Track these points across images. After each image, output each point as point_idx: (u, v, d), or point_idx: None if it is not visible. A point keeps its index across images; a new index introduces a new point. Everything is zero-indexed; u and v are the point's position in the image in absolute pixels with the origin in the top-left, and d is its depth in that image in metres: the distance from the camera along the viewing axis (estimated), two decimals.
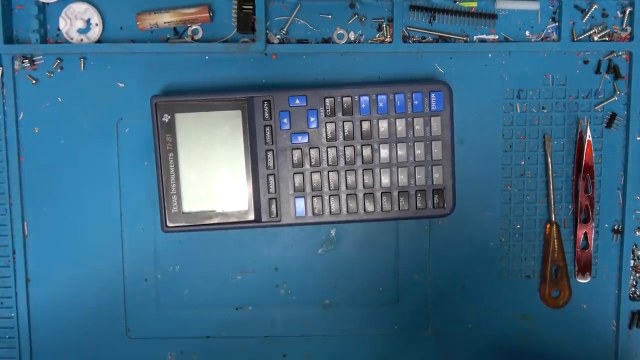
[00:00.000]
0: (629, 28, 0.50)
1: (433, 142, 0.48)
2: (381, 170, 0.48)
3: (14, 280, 0.51)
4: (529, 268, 0.52)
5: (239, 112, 0.47)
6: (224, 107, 0.47)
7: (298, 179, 0.48)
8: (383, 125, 0.47)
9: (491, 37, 0.50)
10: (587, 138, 0.50)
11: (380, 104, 0.47)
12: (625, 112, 0.51)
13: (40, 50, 0.49)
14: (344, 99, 0.47)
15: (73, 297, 0.52)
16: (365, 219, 0.48)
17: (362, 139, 0.48)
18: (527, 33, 0.50)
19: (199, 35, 0.50)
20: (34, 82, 0.50)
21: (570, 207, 0.52)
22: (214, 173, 0.47)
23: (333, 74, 0.50)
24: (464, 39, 0.50)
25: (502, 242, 0.52)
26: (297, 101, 0.47)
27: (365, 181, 0.48)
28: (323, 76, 0.50)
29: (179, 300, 0.52)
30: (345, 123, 0.47)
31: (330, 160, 0.48)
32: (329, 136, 0.48)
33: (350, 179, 0.48)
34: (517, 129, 0.51)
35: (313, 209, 0.48)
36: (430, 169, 0.48)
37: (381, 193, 0.48)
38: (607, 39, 0.50)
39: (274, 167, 0.48)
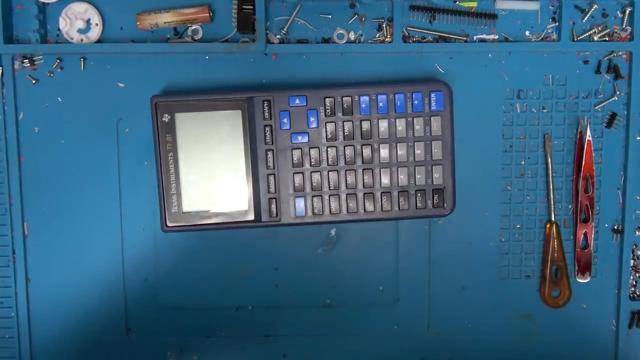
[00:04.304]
0: (629, 28, 0.50)
1: (433, 142, 0.48)
2: (381, 170, 0.48)
3: (14, 280, 0.51)
4: (529, 268, 0.52)
5: (239, 112, 0.47)
6: (224, 107, 0.47)
7: (298, 179, 0.48)
8: (383, 125, 0.47)
9: (491, 37, 0.50)
10: (587, 138, 0.50)
11: (380, 104, 0.47)
12: (625, 112, 0.51)
13: (40, 50, 0.49)
14: (344, 99, 0.47)
15: (73, 297, 0.52)
16: (365, 219, 0.48)
17: (362, 138, 0.48)
18: (527, 33, 0.50)
19: (199, 35, 0.50)
20: (34, 82, 0.50)
21: (570, 207, 0.52)
22: (214, 173, 0.47)
23: (333, 74, 0.50)
24: (464, 39, 0.50)
25: (502, 242, 0.52)
26: (297, 101, 0.47)
27: (365, 181, 0.48)
28: (323, 76, 0.50)
29: (179, 300, 0.52)
30: (345, 123, 0.47)
31: (330, 160, 0.48)
32: (329, 136, 0.48)
33: (350, 178, 0.48)
34: (517, 129, 0.51)
35: (313, 208, 0.48)
36: (430, 168, 0.48)
37: (381, 193, 0.48)
38: (607, 39, 0.50)
39: (274, 167, 0.48)
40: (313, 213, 0.48)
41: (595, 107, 0.51)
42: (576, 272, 0.52)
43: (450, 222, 0.51)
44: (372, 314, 0.52)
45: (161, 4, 0.49)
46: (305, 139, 0.48)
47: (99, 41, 0.50)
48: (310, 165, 0.48)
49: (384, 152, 0.48)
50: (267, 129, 0.47)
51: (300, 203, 0.48)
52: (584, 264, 0.52)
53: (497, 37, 0.50)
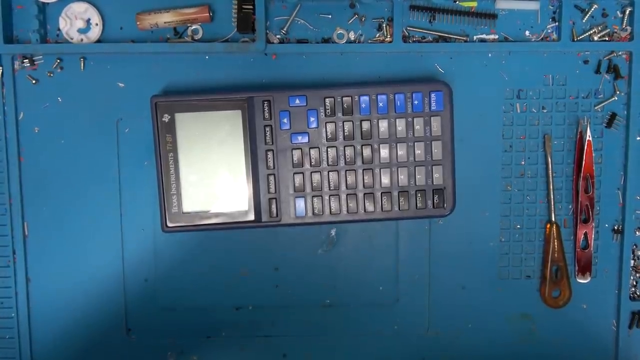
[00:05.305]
0: (629, 28, 0.50)
1: (433, 142, 0.48)
2: (381, 170, 0.48)
3: (14, 280, 0.51)
4: (529, 268, 0.52)
5: (239, 112, 0.47)
6: (224, 107, 0.47)
7: (298, 179, 0.48)
8: (383, 125, 0.47)
9: (491, 37, 0.50)
10: (587, 138, 0.50)
11: (380, 104, 0.47)
12: (625, 112, 0.51)
13: (40, 50, 0.49)
14: (344, 99, 0.47)
15: (73, 297, 0.52)
16: (365, 219, 0.48)
17: (362, 139, 0.48)
18: (527, 33, 0.50)
19: (199, 35, 0.50)
20: (34, 82, 0.50)
21: (570, 207, 0.52)
22: (214, 173, 0.47)
23: (333, 74, 0.50)
24: (464, 39, 0.50)
25: (502, 242, 0.52)
26: (297, 101, 0.47)
27: (365, 181, 0.48)
28: (323, 76, 0.50)
29: (179, 300, 0.52)
30: (345, 123, 0.47)
31: (330, 160, 0.48)
32: (329, 136, 0.48)
33: (350, 179, 0.48)
34: (517, 129, 0.51)
35: (313, 209, 0.48)
36: (430, 169, 0.48)
37: (381, 193, 0.48)
38: (607, 38, 0.50)
39: (274, 167, 0.48)
40: (313, 213, 0.48)
41: (595, 107, 0.51)
42: (576, 273, 0.52)
43: (450, 222, 0.51)
44: (372, 314, 0.52)
45: (161, 4, 0.49)
46: (305, 139, 0.48)
47: (99, 41, 0.50)
48: (311, 165, 0.48)
49: (384, 152, 0.48)
50: (267, 129, 0.47)
51: (300, 203, 0.48)
52: (584, 264, 0.52)
53: (497, 37, 0.50)
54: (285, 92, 0.47)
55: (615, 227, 0.52)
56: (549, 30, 0.50)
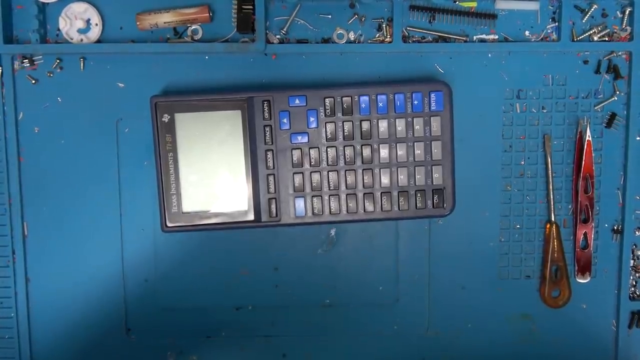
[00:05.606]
0: (628, 28, 0.50)
1: (433, 142, 0.48)
2: (381, 170, 0.48)
3: (13, 280, 0.51)
4: (529, 268, 0.52)
5: (238, 112, 0.47)
6: (224, 107, 0.47)
7: (298, 179, 0.48)
8: (383, 125, 0.47)
9: (491, 37, 0.50)
10: (587, 138, 0.50)
11: (380, 104, 0.47)
12: (625, 112, 0.51)
13: (40, 50, 0.49)
14: (344, 99, 0.47)
15: (73, 297, 0.52)
16: (365, 219, 0.48)
17: (362, 139, 0.48)
18: (527, 33, 0.50)
19: (199, 35, 0.50)
20: (33, 82, 0.50)
21: (570, 207, 0.52)
22: (213, 173, 0.47)
23: (333, 74, 0.50)
24: (464, 39, 0.50)
25: (502, 242, 0.52)
26: (297, 101, 0.47)
27: (365, 181, 0.48)
28: (323, 76, 0.50)
29: (179, 300, 0.52)
30: (345, 123, 0.47)
31: (330, 160, 0.48)
32: (329, 136, 0.48)
33: (350, 178, 0.48)
34: (517, 129, 0.51)
35: (313, 208, 0.48)
36: (430, 169, 0.48)
37: (381, 193, 0.48)
38: (607, 39, 0.50)
39: (273, 167, 0.48)
40: (313, 213, 0.48)
41: (595, 107, 0.51)
42: (576, 272, 0.52)
43: (450, 222, 0.51)
44: (372, 314, 0.52)
45: (161, 4, 0.49)
46: (305, 139, 0.48)
47: (98, 41, 0.50)
48: (310, 165, 0.48)
49: (384, 152, 0.48)
50: (267, 129, 0.47)
51: (300, 203, 0.48)
52: (583, 264, 0.52)
53: (497, 37, 0.50)
54: (285, 92, 0.47)
55: (615, 227, 0.52)
56: (549, 31, 0.50)
